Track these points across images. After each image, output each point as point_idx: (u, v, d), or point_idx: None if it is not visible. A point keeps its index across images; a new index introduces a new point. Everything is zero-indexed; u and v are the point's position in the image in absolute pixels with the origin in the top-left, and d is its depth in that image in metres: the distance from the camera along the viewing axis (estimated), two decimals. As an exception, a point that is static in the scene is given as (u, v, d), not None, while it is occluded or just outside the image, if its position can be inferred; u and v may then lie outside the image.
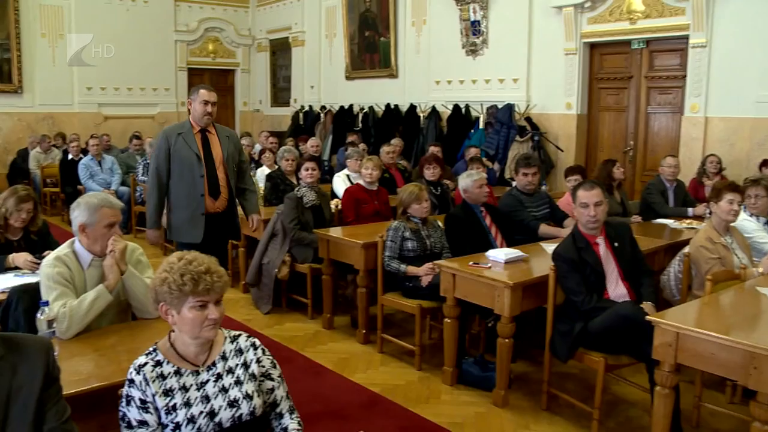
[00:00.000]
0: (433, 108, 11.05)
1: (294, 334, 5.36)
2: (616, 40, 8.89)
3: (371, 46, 12.38)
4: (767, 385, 2.84)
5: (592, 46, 9.27)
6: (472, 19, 10.34)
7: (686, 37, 8.10)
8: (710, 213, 4.67)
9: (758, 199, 4.85)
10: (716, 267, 4.17)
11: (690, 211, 6.61)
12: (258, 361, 2.29)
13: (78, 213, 3.02)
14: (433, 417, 3.96)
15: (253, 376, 2.26)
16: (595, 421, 3.74)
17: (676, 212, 6.61)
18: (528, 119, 9.74)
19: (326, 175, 8.83)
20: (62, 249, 3.05)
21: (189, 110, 4.73)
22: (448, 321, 4.40)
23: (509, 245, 4.99)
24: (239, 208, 5.04)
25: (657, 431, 3.28)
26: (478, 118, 10.38)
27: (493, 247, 4.92)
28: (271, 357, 2.34)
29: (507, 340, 4.05)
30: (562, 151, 9.51)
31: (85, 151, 10.00)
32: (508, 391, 4.17)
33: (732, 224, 4.53)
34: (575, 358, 3.85)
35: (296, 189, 5.90)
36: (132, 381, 2.14)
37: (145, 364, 2.17)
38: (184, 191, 4.60)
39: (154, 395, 2.13)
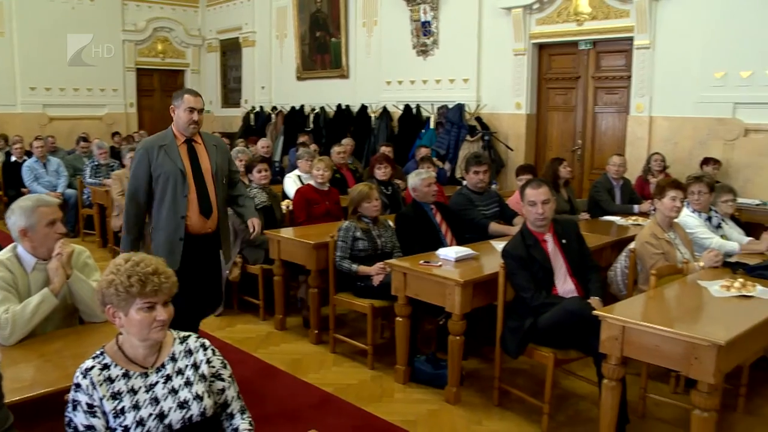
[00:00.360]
0: (384, 108, 11.09)
1: (246, 336, 5.32)
2: (564, 41, 9.05)
3: (322, 47, 12.37)
4: (707, 375, 2.93)
5: (541, 47, 9.42)
6: (423, 19, 10.41)
7: (631, 39, 8.29)
8: (654, 210, 4.78)
9: (701, 195, 4.98)
10: (660, 262, 4.27)
11: (636, 208, 6.77)
12: (208, 361, 2.27)
13: (15, 219, 2.93)
14: (386, 415, 3.97)
15: (203, 377, 2.24)
16: (546, 416, 3.80)
17: (622, 209, 6.76)
18: (478, 119, 9.84)
19: (277, 176, 8.79)
20: (4, 253, 2.97)
21: (172, 118, 4.09)
22: (400, 320, 4.42)
23: (459, 243, 5.03)
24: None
25: (605, 423, 3.35)
26: (428, 118, 10.47)
27: (444, 245, 4.96)
28: (221, 357, 2.32)
29: (458, 338, 4.09)
30: (512, 150, 9.63)
31: (29, 153, 9.75)
32: (460, 388, 4.21)
33: (675, 220, 4.65)
34: (525, 354, 3.91)
35: (247, 190, 5.84)
36: (78, 385, 2.10)
37: (92, 367, 2.13)
38: (164, 212, 4.03)
39: (101, 399, 2.10)
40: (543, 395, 3.85)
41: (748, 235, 5.38)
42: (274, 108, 13.34)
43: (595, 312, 3.38)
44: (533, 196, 4.00)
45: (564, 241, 4.10)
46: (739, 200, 6.07)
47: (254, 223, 4.37)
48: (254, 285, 5.73)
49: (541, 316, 3.77)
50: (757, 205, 7.24)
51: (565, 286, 4.01)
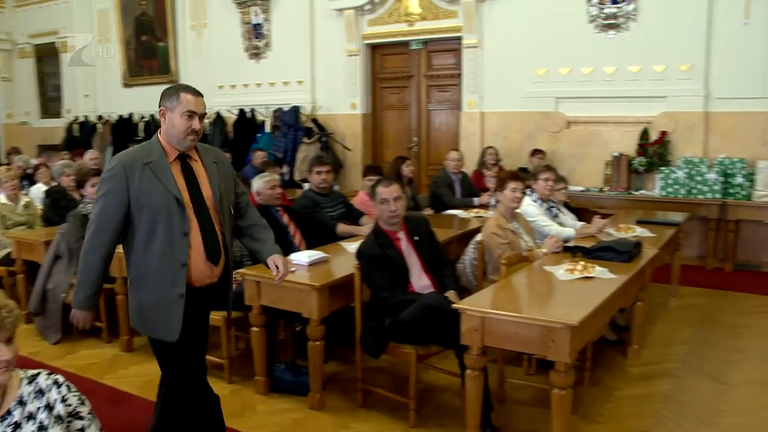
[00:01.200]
0: (218, 114, 10.82)
1: (90, 362, 4.97)
2: (396, 41, 9.28)
3: (149, 51, 11.85)
4: (563, 355, 3.09)
5: (373, 47, 9.59)
6: (254, 22, 10.28)
7: (460, 39, 8.67)
8: (497, 201, 4.99)
9: (548, 182, 5.28)
10: (507, 251, 4.45)
11: (475, 200, 7.05)
12: (63, 400, 2.05)
13: None
14: (250, 429, 3.85)
15: (59, 419, 2.02)
16: (412, 411, 3.84)
17: (463, 202, 7.01)
18: (314, 120, 9.88)
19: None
20: None
21: (161, 124, 3.02)
22: (256, 329, 4.29)
23: (309, 247, 4.99)
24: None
25: (470, 411, 3.43)
26: (264, 122, 10.34)
27: (294, 248, 4.90)
28: (78, 393, 2.10)
29: (318, 343, 4.03)
30: (349, 150, 9.73)
31: None
32: (323, 393, 4.16)
33: (517, 210, 4.87)
34: (387, 353, 3.92)
35: (81, 206, 5.48)
36: None
37: None
38: (155, 258, 2.90)
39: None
40: (406, 392, 3.88)
41: (578, 220, 5.76)
42: (100, 117, 12.60)
43: (454, 305, 3.45)
44: (385, 193, 4.02)
45: (416, 237, 4.16)
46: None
47: (277, 262, 3.23)
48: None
49: (400, 314, 3.80)
50: (582, 191, 7.80)
51: (420, 282, 4.08)
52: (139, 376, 4.67)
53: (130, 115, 12.07)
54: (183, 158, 3.00)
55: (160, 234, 2.88)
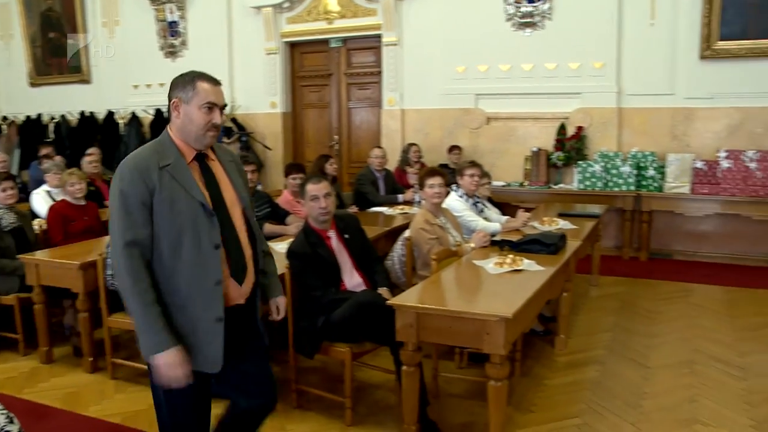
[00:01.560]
0: (133, 114, 10.49)
1: (6, 377, 4.71)
2: (315, 39, 9.25)
3: (58, 49, 11.34)
4: (498, 347, 3.13)
5: (293, 45, 9.52)
6: (169, 19, 10.04)
7: (379, 36, 8.71)
8: (421, 198, 5.03)
9: (474, 178, 5.36)
10: (435, 247, 4.49)
11: (400, 197, 7.10)
12: (-10, 418, 1.95)
13: None
14: (183, 437, 3.74)
15: (-15, 439, 1.92)
16: (348, 410, 3.82)
17: (387, 200, 7.04)
18: (234, 120, 9.73)
19: (20, 193, 7.93)
20: None
21: (172, 119, 2.62)
22: (185, 334, 4.18)
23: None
24: None
25: (407, 407, 3.45)
26: (182, 122, 10.09)
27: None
28: (6, 411, 2.01)
29: (250, 345, 3.97)
30: (270, 149, 9.65)
31: None
32: (257, 395, 4.09)
33: (443, 205, 4.92)
34: (321, 352, 3.88)
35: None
36: None
37: None
38: (183, 278, 2.46)
39: None
40: (341, 390, 3.86)
41: (501, 214, 5.87)
42: (4, 118, 12.00)
43: (389, 301, 3.45)
44: (315, 191, 3.99)
45: (347, 235, 4.14)
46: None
47: (280, 305, 2.93)
48: (9, 318, 5.09)
49: (333, 313, 3.78)
50: (503, 186, 7.96)
51: (352, 280, 4.07)
52: (62, 388, 4.47)
53: (39, 115, 11.55)
54: (201, 158, 2.59)
55: (187, 249, 2.44)
